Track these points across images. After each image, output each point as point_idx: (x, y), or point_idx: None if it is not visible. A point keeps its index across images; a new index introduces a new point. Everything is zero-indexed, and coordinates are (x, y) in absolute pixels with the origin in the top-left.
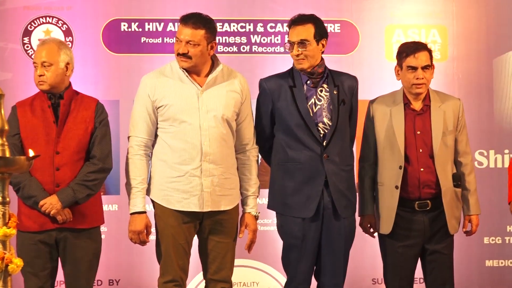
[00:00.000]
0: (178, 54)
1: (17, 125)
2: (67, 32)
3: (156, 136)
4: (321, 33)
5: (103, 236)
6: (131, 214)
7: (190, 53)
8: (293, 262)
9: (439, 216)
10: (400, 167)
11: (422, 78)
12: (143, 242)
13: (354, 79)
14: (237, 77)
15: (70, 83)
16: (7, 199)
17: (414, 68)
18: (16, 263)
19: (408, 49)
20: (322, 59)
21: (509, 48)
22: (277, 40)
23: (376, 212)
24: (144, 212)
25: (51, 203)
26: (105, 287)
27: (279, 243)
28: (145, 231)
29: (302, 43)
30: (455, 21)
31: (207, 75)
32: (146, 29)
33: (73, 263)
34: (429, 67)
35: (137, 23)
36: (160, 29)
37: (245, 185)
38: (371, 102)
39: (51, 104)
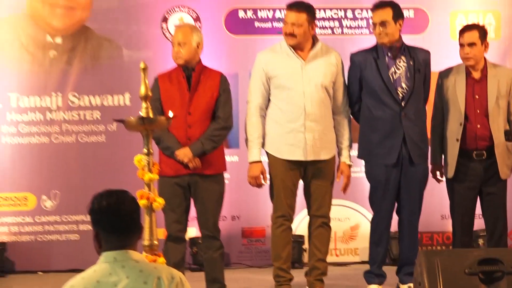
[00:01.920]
0: (286, 34)
1: (158, 92)
2: (197, 19)
3: (269, 101)
4: (398, 15)
5: (226, 181)
6: (250, 163)
7: (295, 32)
8: (377, 200)
9: (493, 164)
10: (460, 124)
11: (468, 53)
12: (259, 185)
13: (427, 53)
14: (332, 52)
15: (200, 59)
16: (151, 151)
17: (462, 45)
18: (159, 202)
19: (460, 31)
20: (400, 36)
21: None
22: (363, 24)
23: (445, 161)
24: (260, 161)
25: (184, 153)
26: (229, 222)
27: (367, 186)
28: (261, 176)
29: (383, 23)
30: (507, 6)
31: (309, 51)
32: (259, 16)
33: (202, 202)
34: (474, 44)
35: (251, 11)
36: (270, 15)
37: (340, 139)
38: (441, 72)
39: (185, 75)
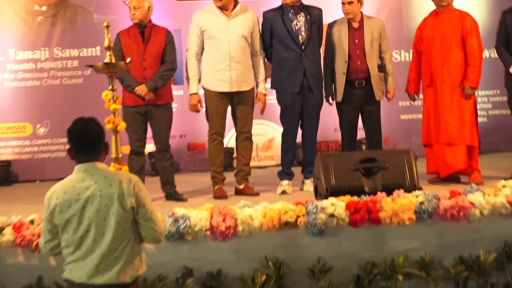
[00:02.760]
0: None
1: (119, 44)
2: None
3: (203, 49)
4: None
5: (174, 109)
6: (190, 94)
7: None
8: (286, 119)
9: (370, 90)
10: (345, 61)
11: (347, 9)
12: (197, 111)
13: (320, 10)
14: (250, 11)
15: (150, 19)
16: (115, 88)
17: (343, 4)
18: (121, 125)
19: None
20: None
21: None
22: None
23: (334, 89)
24: (197, 93)
25: (142, 89)
26: (177, 139)
27: (278, 109)
28: (198, 104)
29: None
30: None
31: (231, 11)
32: None
33: (156, 124)
34: (352, 3)
35: None
36: None
37: (257, 75)
38: (329, 24)
39: (139, 31)
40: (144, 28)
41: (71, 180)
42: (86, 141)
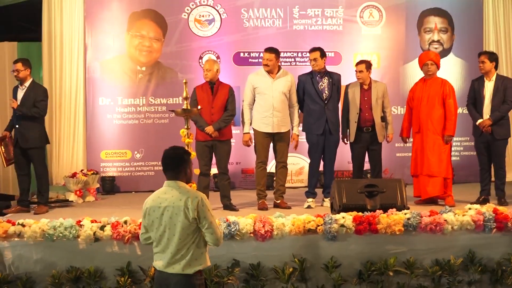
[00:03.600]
0: (263, 64)
1: (195, 95)
2: (218, 57)
3: (254, 100)
4: (323, 55)
5: (232, 143)
6: (244, 133)
7: (268, 64)
8: (312, 153)
9: (374, 134)
10: (357, 113)
11: (359, 76)
12: (248, 146)
13: (339, 75)
14: (289, 75)
15: (218, 78)
16: (189, 127)
17: (356, 71)
18: (193, 154)
19: (356, 64)
20: (324, 66)
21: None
22: (306, 60)
23: (348, 132)
24: (249, 133)
25: (209, 129)
26: (234, 165)
27: (306, 146)
28: (249, 140)
29: (315, 59)
30: (383, 50)
31: (276, 74)
32: (251, 55)
33: (219, 155)
34: (362, 71)
35: (247, 53)
36: (256, 55)
37: (293, 120)
38: (346, 85)
39: (210, 87)
40: (213, 85)
41: (158, 192)
42: (168, 164)
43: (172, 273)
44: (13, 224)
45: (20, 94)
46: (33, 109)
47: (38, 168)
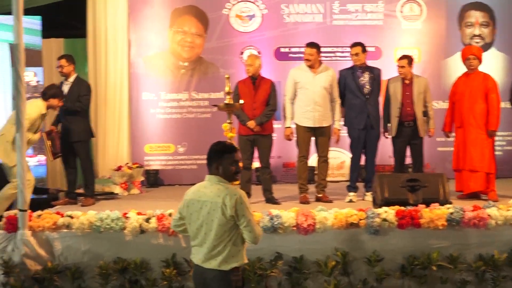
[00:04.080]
0: (305, 59)
1: (237, 90)
2: (259, 52)
3: (295, 95)
4: (364, 50)
5: (274, 138)
6: (285, 128)
7: (310, 58)
8: (354, 148)
9: (415, 128)
10: (399, 108)
11: (401, 71)
12: (290, 140)
13: (379, 70)
14: (330, 69)
15: (260, 73)
16: (231, 121)
17: (398, 66)
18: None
19: (398, 59)
20: (365, 61)
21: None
22: (347, 55)
23: (390, 127)
24: (290, 127)
25: (251, 123)
26: (275, 159)
27: (348, 140)
28: (291, 135)
29: (356, 54)
30: (423, 45)
31: (317, 68)
32: (291, 50)
33: (261, 149)
34: (404, 67)
35: (288, 48)
36: (296, 50)
37: (334, 115)
38: (388, 80)
39: (252, 82)
40: (255, 80)
41: (200, 185)
42: (208, 158)
43: (208, 268)
44: (62, 216)
45: (65, 89)
46: (77, 104)
47: (84, 161)
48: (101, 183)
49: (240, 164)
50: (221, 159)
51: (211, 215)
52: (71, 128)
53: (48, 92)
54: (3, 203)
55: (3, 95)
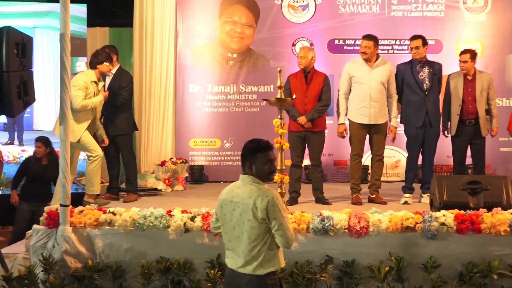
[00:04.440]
0: (361, 52)
1: (289, 83)
2: (312, 44)
3: (350, 90)
4: (425, 43)
5: (326, 134)
6: (339, 124)
7: (366, 51)
8: (411, 147)
9: (477, 127)
10: (459, 105)
11: (462, 66)
12: (343, 137)
13: (440, 64)
14: (387, 63)
15: (313, 66)
16: (282, 117)
17: (460, 61)
18: (286, 145)
19: (460, 53)
20: (425, 55)
21: None
22: (404, 48)
23: (450, 125)
24: (344, 123)
25: (302, 119)
26: (326, 157)
27: (404, 138)
28: (344, 131)
29: (417, 47)
30: (487, 38)
31: (374, 62)
32: (346, 43)
33: (312, 146)
34: (466, 62)
35: (342, 40)
36: (352, 43)
37: (391, 112)
38: (449, 75)
39: (304, 75)
40: (307, 73)
41: (234, 185)
42: (242, 156)
43: (243, 272)
44: (104, 212)
45: (108, 80)
46: (116, 98)
47: (126, 155)
48: (144, 178)
49: (289, 161)
50: (255, 158)
51: (243, 217)
52: (113, 120)
53: (94, 60)
54: (94, 179)
55: (54, 83)
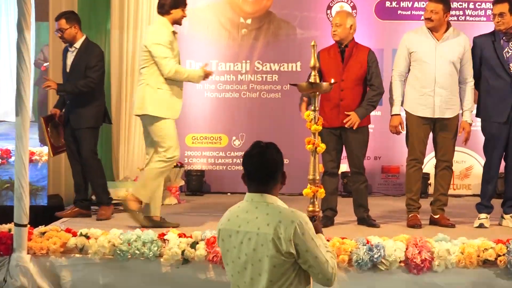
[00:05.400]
0: (425, 18)
1: (319, 62)
2: (353, 7)
3: (409, 70)
4: None
5: (371, 130)
6: (392, 115)
7: (432, 17)
8: (490, 150)
9: None
10: None
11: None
12: (398, 133)
13: None
14: (461, 35)
15: (353, 38)
16: (317, 108)
17: None
18: (322, 147)
19: None
20: None
21: None
22: (482, 13)
23: None
24: (399, 115)
25: (355, 117)
26: (371, 161)
27: (481, 137)
28: (399, 126)
29: (501, 14)
30: None
31: (443, 34)
32: (401, 5)
33: (351, 148)
34: None
35: (396, 1)
36: (409, 5)
37: (464, 102)
38: None
39: (339, 51)
40: (345, 48)
41: (238, 208)
42: (259, 172)
43: None
44: (74, 234)
45: (70, 58)
46: (80, 83)
47: (86, 154)
48: (125, 187)
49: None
50: (282, 168)
51: (258, 253)
52: (77, 111)
53: (166, 3)
54: (149, 185)
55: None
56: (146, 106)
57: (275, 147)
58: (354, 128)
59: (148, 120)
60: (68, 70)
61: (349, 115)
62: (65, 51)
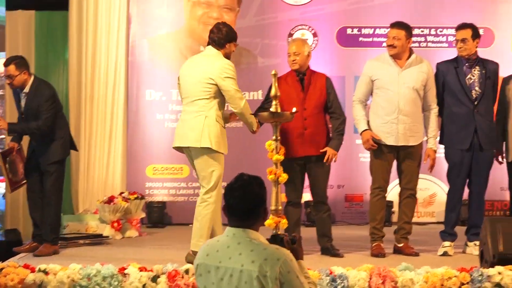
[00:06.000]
0: (388, 45)
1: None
2: (315, 35)
3: (368, 98)
4: (476, 35)
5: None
6: (361, 132)
7: (395, 44)
8: (453, 177)
9: None
10: None
11: None
12: (373, 147)
13: (496, 64)
14: (424, 62)
15: (309, 65)
16: (278, 138)
17: None
18: (283, 177)
19: None
20: (476, 51)
21: None
22: (443, 39)
23: (506, 147)
24: (368, 129)
25: (331, 152)
26: (335, 189)
27: (444, 164)
28: (371, 140)
29: (463, 40)
30: None
31: (405, 60)
32: (362, 32)
33: (313, 176)
34: None
35: (357, 29)
36: (371, 32)
37: (428, 130)
38: (504, 78)
39: (298, 79)
40: (303, 76)
41: (217, 243)
42: (240, 206)
43: None
44: (33, 270)
45: (23, 101)
46: (32, 125)
47: (51, 186)
48: (84, 220)
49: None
50: (263, 206)
51: None
52: (45, 150)
53: (226, 35)
54: (206, 232)
55: None
56: (208, 139)
57: (259, 181)
58: (334, 162)
59: (203, 153)
60: (22, 111)
61: (324, 150)
62: (17, 96)
